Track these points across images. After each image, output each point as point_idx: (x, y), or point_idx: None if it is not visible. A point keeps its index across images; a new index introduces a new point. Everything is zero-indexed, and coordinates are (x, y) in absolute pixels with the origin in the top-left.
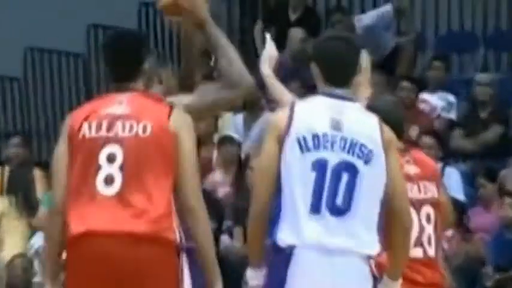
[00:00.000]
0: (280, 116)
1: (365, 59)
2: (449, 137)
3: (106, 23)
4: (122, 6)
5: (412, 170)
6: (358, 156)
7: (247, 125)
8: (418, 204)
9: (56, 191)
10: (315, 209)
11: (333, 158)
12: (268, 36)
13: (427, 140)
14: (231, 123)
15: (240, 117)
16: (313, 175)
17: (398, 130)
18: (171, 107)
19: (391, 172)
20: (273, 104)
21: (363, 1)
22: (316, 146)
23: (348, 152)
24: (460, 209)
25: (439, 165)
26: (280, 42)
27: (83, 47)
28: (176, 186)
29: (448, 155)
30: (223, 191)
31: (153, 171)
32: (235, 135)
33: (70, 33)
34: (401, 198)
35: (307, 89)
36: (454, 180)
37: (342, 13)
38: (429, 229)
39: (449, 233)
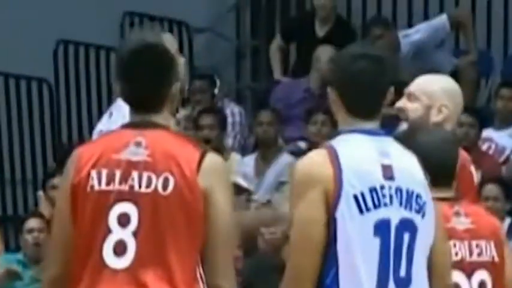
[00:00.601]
0: (321, 164)
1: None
2: None
3: (79, 38)
4: (99, 18)
5: (462, 224)
6: (416, 211)
7: (260, 169)
8: (468, 269)
9: (53, 257)
10: (383, 284)
11: (394, 216)
12: None
13: (492, 189)
14: (239, 167)
15: (250, 159)
16: (377, 242)
17: (447, 175)
18: (204, 151)
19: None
20: (292, 145)
21: (410, 11)
22: (377, 204)
23: (406, 206)
24: None
25: (507, 221)
26: (305, 64)
27: (48, 69)
28: (203, 258)
29: None
30: None
31: (175, 240)
32: (243, 183)
33: (32, 52)
34: (444, 251)
35: (335, 121)
36: None
37: (385, 26)
38: None
39: None
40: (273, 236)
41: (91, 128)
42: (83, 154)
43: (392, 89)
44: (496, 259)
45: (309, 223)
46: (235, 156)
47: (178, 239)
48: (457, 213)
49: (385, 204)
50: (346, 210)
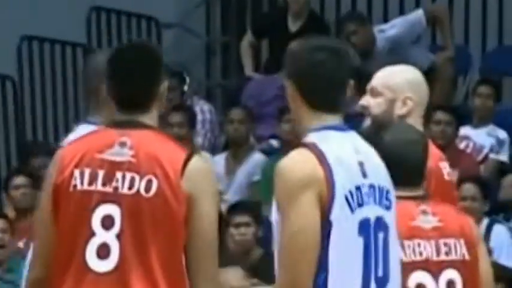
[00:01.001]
0: (311, 165)
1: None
2: (498, 185)
3: (43, 34)
4: (64, 13)
5: (429, 223)
6: (386, 207)
7: (231, 168)
8: (435, 268)
9: (36, 258)
10: (366, 285)
11: (372, 214)
12: None
13: (469, 188)
14: None
15: (220, 158)
16: (361, 241)
17: (413, 173)
18: (190, 153)
19: None
20: (264, 143)
21: (385, 6)
22: (360, 202)
23: (379, 203)
24: (511, 280)
25: (485, 221)
26: (278, 60)
27: (12, 66)
28: (186, 266)
29: (496, 209)
30: None
31: (158, 243)
32: None
33: None
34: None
35: None
36: (504, 241)
37: (359, 21)
38: None
39: None
40: (244, 238)
41: (56, 126)
42: (65, 154)
43: (352, 83)
44: (467, 257)
45: (306, 230)
46: (205, 155)
47: (161, 242)
48: (424, 212)
49: (366, 203)
50: (339, 212)
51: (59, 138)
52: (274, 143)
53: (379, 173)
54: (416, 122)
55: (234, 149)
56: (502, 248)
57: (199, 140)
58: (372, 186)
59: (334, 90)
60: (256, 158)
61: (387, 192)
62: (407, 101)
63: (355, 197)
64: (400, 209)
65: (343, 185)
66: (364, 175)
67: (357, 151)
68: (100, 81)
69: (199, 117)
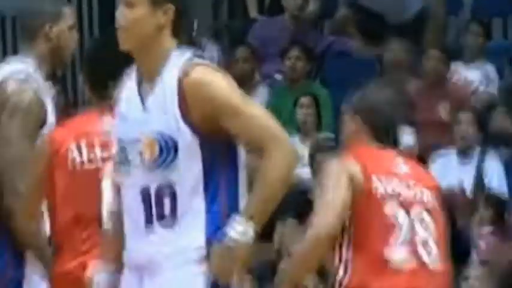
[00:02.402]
0: None
1: None
2: (488, 117)
3: None
4: None
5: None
6: None
7: None
8: (407, 203)
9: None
10: None
11: None
12: None
13: (464, 116)
14: None
15: None
16: None
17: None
18: None
19: None
20: (269, 79)
21: None
22: None
23: None
24: (501, 205)
25: (477, 149)
26: (279, 2)
27: None
28: None
29: (487, 139)
30: None
31: None
32: None
33: None
34: None
35: (309, 56)
36: (494, 169)
37: None
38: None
39: (486, 229)
40: None
41: None
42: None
43: None
44: (437, 207)
45: None
46: None
47: None
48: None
49: None
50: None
51: None
52: (278, 76)
53: None
54: None
55: (239, 86)
56: (491, 176)
57: None
58: None
59: None
60: (261, 91)
61: None
62: None
63: None
64: (388, 155)
65: None
66: None
67: None
68: (43, 21)
69: (206, 56)
